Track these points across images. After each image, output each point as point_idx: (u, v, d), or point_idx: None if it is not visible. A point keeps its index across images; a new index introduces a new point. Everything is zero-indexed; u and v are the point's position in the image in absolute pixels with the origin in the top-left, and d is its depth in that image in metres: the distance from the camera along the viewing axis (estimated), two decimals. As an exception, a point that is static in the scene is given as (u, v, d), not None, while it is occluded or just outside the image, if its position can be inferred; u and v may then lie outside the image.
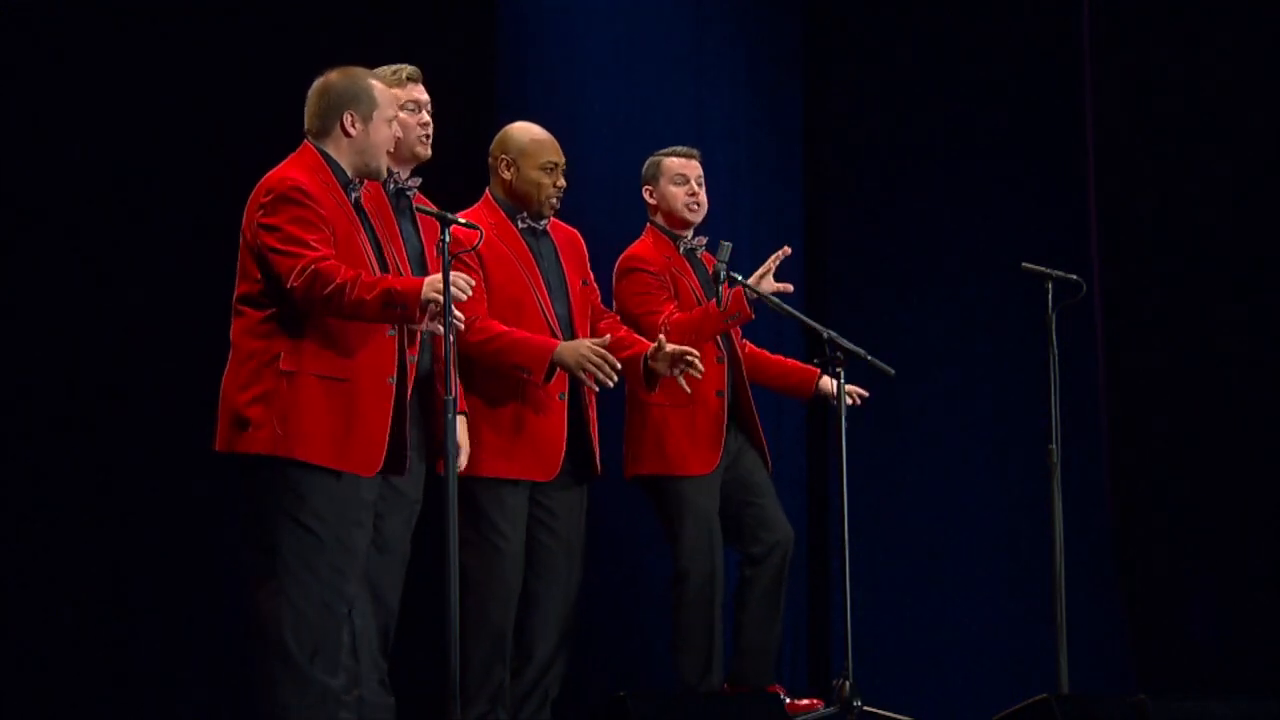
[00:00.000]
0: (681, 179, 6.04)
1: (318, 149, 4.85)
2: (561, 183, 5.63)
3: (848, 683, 5.59)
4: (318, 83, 4.89)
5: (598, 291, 5.81)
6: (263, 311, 4.73)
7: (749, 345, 6.21)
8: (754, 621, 5.96)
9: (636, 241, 6.08)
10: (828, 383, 6.03)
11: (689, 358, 5.56)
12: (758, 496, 6.01)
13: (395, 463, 4.88)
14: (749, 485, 6.01)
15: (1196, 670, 7.20)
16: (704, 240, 6.09)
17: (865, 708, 5.57)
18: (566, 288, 5.63)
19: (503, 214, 5.60)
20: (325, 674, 4.72)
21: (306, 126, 4.89)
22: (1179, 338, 7.46)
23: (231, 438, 4.72)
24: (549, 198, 5.61)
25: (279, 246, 4.68)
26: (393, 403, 4.84)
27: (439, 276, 4.70)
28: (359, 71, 4.91)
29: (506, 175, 5.62)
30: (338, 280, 4.62)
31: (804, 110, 7.79)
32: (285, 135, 5.06)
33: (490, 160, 5.66)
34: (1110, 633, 7.36)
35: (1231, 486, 7.33)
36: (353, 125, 4.84)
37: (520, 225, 5.62)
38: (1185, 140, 7.48)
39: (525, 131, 5.67)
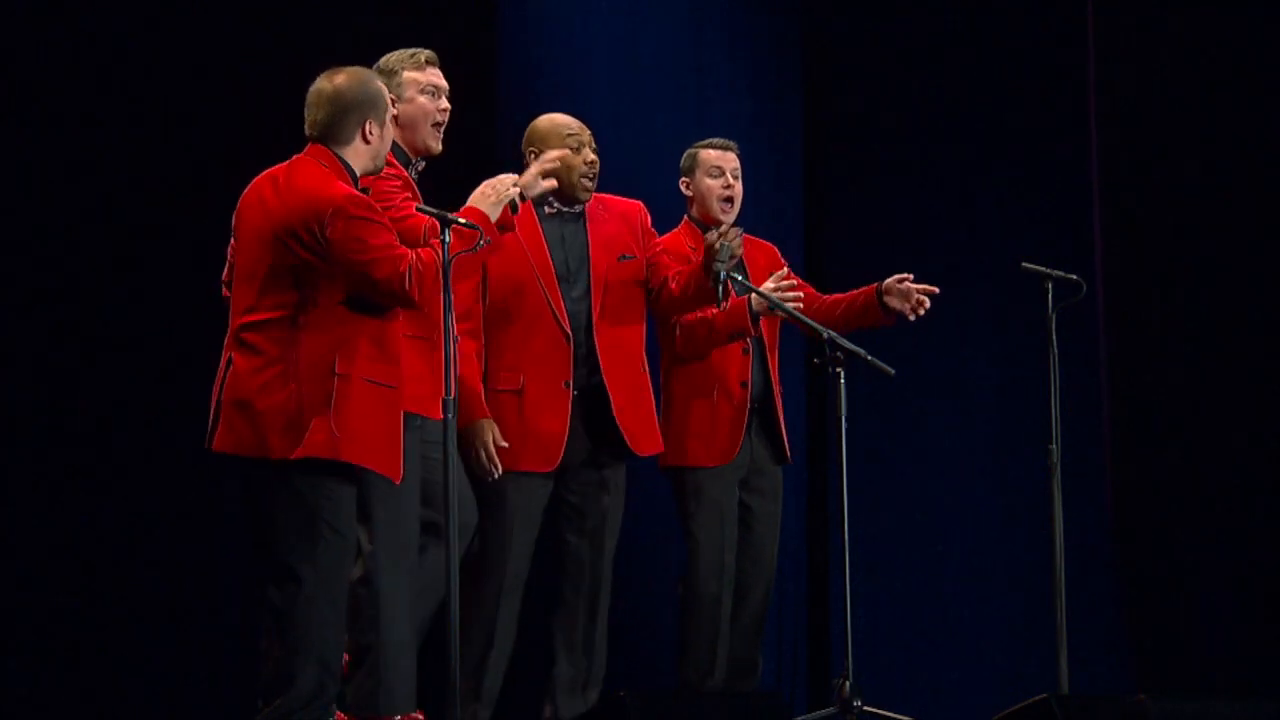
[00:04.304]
0: (717, 171, 5.98)
1: (335, 154, 4.73)
2: (591, 157, 5.56)
3: (848, 683, 5.58)
4: (327, 88, 4.73)
5: (660, 255, 5.72)
6: (308, 318, 4.61)
7: (825, 298, 6.03)
8: (736, 646, 5.93)
9: (669, 234, 6.00)
10: (892, 285, 5.86)
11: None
12: (758, 524, 5.95)
13: None
14: (752, 510, 5.95)
15: (1196, 670, 7.20)
16: (740, 230, 6.02)
17: (865, 708, 5.56)
18: (589, 269, 5.56)
19: (529, 202, 5.39)
20: (334, 683, 4.70)
21: (318, 132, 4.73)
22: (1179, 337, 7.46)
23: (283, 444, 4.58)
24: (580, 177, 5.54)
25: (372, 257, 4.60)
26: None
27: (482, 189, 4.94)
28: (367, 74, 4.82)
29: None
30: (432, 263, 4.65)
31: (804, 110, 7.79)
32: (281, 132, 5.04)
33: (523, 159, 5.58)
34: (1110, 633, 7.37)
35: (1232, 486, 7.33)
36: (372, 132, 4.75)
37: (547, 211, 5.55)
38: (1188, 140, 7.48)
39: (545, 119, 5.64)
